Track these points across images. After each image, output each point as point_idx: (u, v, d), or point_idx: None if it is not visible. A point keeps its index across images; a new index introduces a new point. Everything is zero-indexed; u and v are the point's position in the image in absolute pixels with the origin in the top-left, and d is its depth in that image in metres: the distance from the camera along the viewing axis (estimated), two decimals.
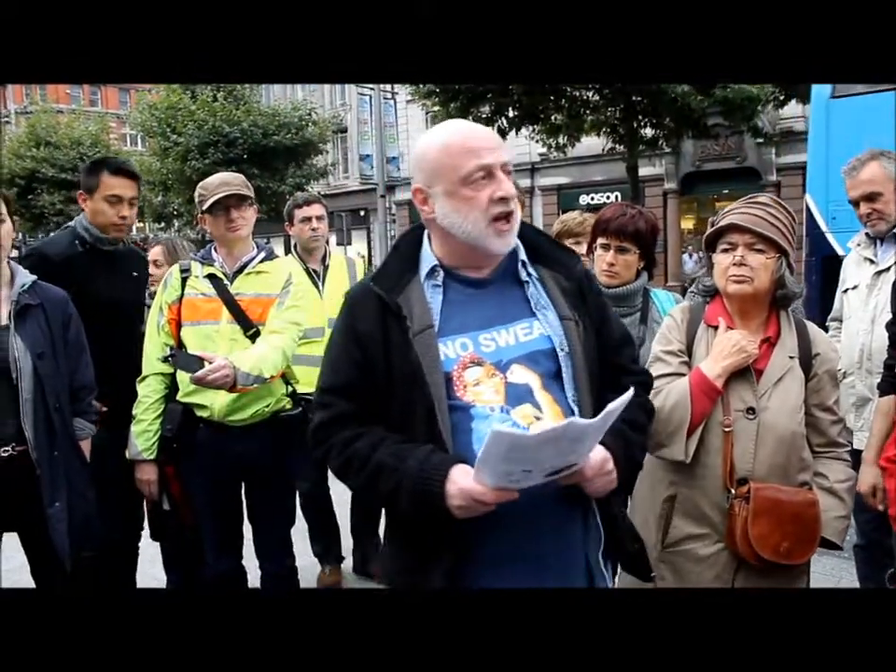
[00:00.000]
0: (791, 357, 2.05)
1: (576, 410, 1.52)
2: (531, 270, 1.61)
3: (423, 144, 1.56)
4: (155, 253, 3.53)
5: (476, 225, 1.49)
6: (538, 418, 1.47)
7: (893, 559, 2.30)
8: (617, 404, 1.38)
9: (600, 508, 1.57)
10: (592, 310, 1.64)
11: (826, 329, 3.19)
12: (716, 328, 2.10)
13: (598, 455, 1.46)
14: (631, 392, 1.43)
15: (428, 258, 1.58)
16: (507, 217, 1.51)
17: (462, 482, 1.39)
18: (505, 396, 1.48)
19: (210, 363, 2.52)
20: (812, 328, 2.14)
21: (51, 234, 3.11)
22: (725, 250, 2.05)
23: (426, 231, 1.61)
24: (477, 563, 1.47)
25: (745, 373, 2.02)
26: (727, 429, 2.00)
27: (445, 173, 1.49)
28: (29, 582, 2.49)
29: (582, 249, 3.28)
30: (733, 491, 1.99)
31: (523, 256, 1.61)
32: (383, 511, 1.71)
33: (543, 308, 1.58)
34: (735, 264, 2.02)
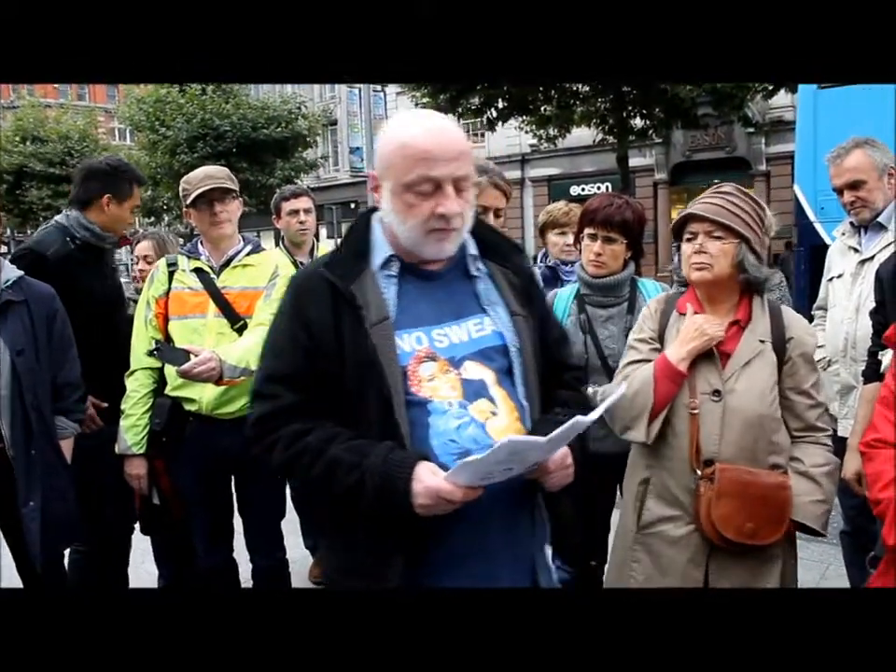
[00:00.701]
0: (761, 341, 2.07)
1: (526, 405, 1.53)
2: (480, 265, 1.60)
3: (387, 132, 1.52)
4: (145, 248, 3.51)
5: (412, 232, 1.48)
6: (494, 413, 1.48)
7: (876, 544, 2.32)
8: (614, 398, 1.44)
9: (548, 502, 1.57)
10: (537, 306, 1.65)
11: (811, 318, 3.21)
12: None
13: (560, 450, 1.48)
14: (624, 386, 1.50)
15: (382, 246, 1.54)
16: (446, 231, 1.47)
17: (428, 480, 1.36)
18: (462, 391, 1.47)
19: (196, 356, 2.52)
20: (788, 312, 2.16)
21: (39, 232, 3.09)
22: (688, 240, 2.10)
23: (375, 216, 1.57)
24: (431, 562, 1.45)
25: (711, 357, 2.06)
26: (693, 412, 2.04)
27: (394, 172, 1.46)
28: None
29: (568, 240, 3.32)
30: (699, 472, 2.02)
31: (473, 250, 1.59)
32: None
33: (494, 304, 1.57)
34: (695, 252, 2.07)
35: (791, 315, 2.15)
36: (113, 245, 3.01)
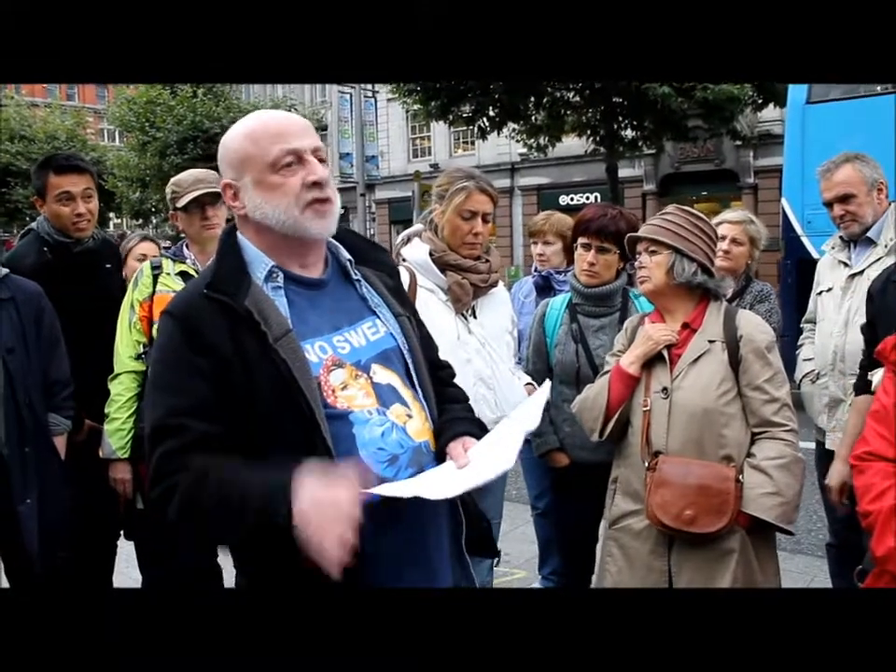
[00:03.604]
0: (710, 341, 2.21)
1: (425, 405, 1.53)
2: (356, 270, 1.58)
3: (226, 138, 1.49)
4: (150, 249, 3.50)
5: (289, 212, 1.41)
6: (409, 416, 1.47)
7: (863, 557, 2.33)
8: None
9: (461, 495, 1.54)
10: (410, 306, 1.68)
11: (800, 331, 3.23)
12: None
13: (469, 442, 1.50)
14: (548, 384, 1.60)
15: (259, 259, 1.45)
16: (322, 202, 1.44)
17: (315, 490, 1.22)
18: (376, 397, 1.44)
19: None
20: (742, 314, 2.30)
21: (18, 243, 3.04)
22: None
23: (238, 234, 1.50)
24: (369, 569, 1.35)
25: (663, 359, 2.22)
26: (645, 409, 2.21)
27: (252, 162, 1.42)
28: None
29: (538, 249, 3.44)
30: (646, 464, 2.17)
31: (347, 255, 1.57)
32: None
33: (379, 306, 1.56)
34: (638, 267, 2.29)
35: (744, 316, 2.28)
36: (80, 245, 2.87)
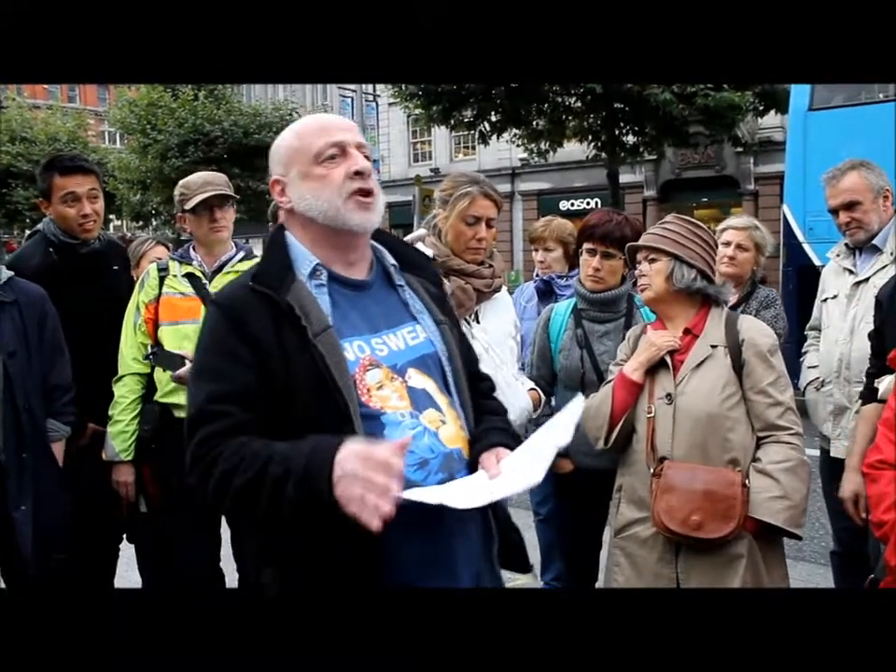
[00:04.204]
0: (712, 347, 2.22)
1: (461, 413, 1.53)
2: (400, 275, 1.60)
3: (278, 139, 1.56)
4: (165, 253, 3.50)
5: (331, 203, 1.45)
6: (443, 422, 1.47)
7: (871, 566, 2.31)
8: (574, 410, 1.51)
9: (493, 506, 1.52)
10: (452, 315, 1.68)
11: (802, 338, 3.23)
12: None
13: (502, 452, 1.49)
14: (581, 398, 1.56)
15: (305, 256, 1.50)
16: (366, 193, 1.47)
17: (356, 445, 1.26)
18: (410, 401, 1.45)
19: (192, 361, 2.49)
20: (744, 318, 2.32)
21: (24, 243, 3.03)
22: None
23: (286, 232, 1.55)
24: (392, 576, 1.37)
25: (667, 365, 2.23)
26: (649, 415, 2.21)
27: (298, 156, 1.49)
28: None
29: (539, 256, 3.45)
30: (652, 470, 2.17)
31: (392, 260, 1.59)
32: None
33: (420, 312, 1.57)
34: (638, 276, 2.31)
35: (746, 321, 2.30)
36: (86, 247, 2.87)
